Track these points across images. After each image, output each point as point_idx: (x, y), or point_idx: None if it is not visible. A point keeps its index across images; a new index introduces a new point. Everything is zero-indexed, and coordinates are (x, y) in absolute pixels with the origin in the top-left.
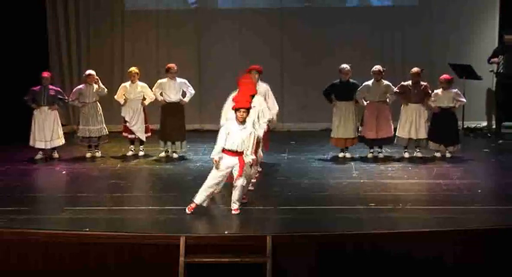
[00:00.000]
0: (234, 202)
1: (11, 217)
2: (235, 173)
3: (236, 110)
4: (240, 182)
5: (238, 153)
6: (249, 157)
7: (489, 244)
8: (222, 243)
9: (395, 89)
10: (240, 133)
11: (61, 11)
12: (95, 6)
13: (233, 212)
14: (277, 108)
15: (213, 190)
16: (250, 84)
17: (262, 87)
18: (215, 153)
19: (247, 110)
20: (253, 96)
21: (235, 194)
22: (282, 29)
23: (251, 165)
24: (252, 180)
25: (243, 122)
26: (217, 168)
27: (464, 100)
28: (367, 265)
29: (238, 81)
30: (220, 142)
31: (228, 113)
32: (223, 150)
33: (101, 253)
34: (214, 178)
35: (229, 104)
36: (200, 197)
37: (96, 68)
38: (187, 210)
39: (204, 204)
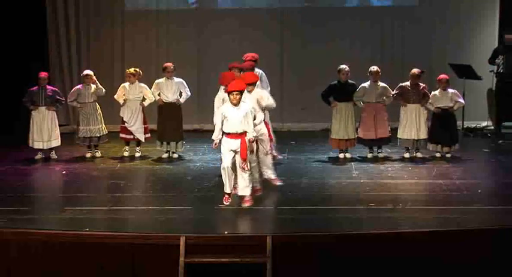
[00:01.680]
0: (241, 189)
1: (11, 217)
2: (238, 158)
3: (229, 93)
4: (242, 167)
5: (240, 135)
6: (250, 134)
7: (489, 244)
8: (222, 243)
9: (393, 92)
10: (235, 114)
11: (61, 11)
12: (95, 6)
13: (244, 205)
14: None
15: (232, 177)
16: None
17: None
18: (214, 135)
19: (240, 92)
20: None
21: (241, 183)
22: (282, 29)
23: (253, 142)
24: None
25: (237, 104)
26: (217, 147)
27: (462, 102)
28: (367, 265)
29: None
30: (218, 123)
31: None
32: (225, 134)
33: (101, 253)
34: (224, 166)
35: (219, 97)
36: (226, 186)
37: (96, 68)
38: (224, 202)
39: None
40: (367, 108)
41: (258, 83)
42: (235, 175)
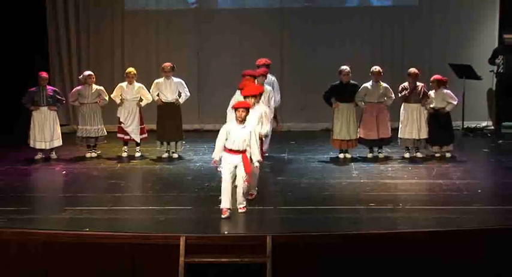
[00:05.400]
0: (239, 203)
1: (11, 217)
2: (239, 172)
3: (235, 109)
4: (241, 181)
5: (241, 152)
6: (256, 158)
7: (489, 244)
8: (222, 243)
9: (400, 95)
10: (240, 132)
11: (61, 11)
12: (95, 6)
13: (240, 211)
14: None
15: (231, 191)
16: (252, 85)
17: (269, 88)
18: (215, 153)
19: (246, 109)
20: (255, 96)
21: (240, 193)
22: (282, 29)
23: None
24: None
25: (242, 121)
26: (216, 167)
27: (454, 102)
28: (367, 265)
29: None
30: (219, 143)
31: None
32: (226, 150)
33: (101, 253)
34: (225, 180)
35: (232, 105)
36: (224, 201)
37: (96, 68)
38: (222, 215)
39: (229, 206)
40: (368, 109)
41: (272, 94)
42: (233, 189)
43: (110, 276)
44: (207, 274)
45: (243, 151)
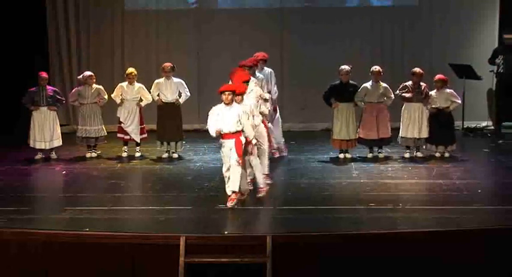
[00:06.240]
0: (232, 183)
1: (11, 217)
2: (233, 155)
3: (221, 93)
4: (234, 163)
5: (234, 134)
6: (244, 135)
7: (489, 244)
8: (222, 243)
9: (400, 92)
10: (228, 114)
11: (61, 11)
12: (95, 6)
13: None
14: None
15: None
16: (240, 72)
17: (261, 76)
18: (212, 131)
19: (232, 92)
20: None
21: (231, 176)
22: (282, 29)
23: (252, 143)
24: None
25: (229, 103)
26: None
27: (458, 101)
28: (367, 265)
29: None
30: (211, 122)
31: None
32: (222, 136)
33: (101, 253)
34: (224, 165)
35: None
36: (232, 186)
37: (96, 68)
38: (228, 204)
39: (236, 189)
40: (368, 109)
41: (264, 82)
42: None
43: (110, 276)
44: (207, 274)
45: (236, 134)
